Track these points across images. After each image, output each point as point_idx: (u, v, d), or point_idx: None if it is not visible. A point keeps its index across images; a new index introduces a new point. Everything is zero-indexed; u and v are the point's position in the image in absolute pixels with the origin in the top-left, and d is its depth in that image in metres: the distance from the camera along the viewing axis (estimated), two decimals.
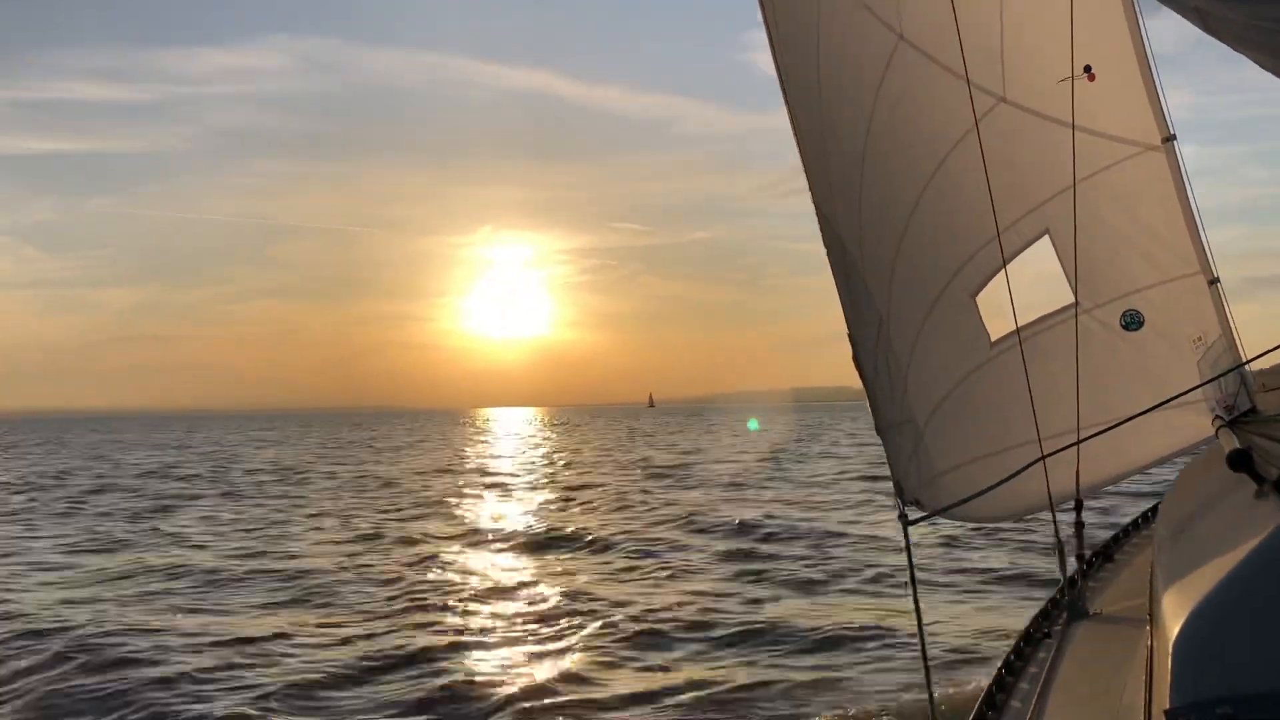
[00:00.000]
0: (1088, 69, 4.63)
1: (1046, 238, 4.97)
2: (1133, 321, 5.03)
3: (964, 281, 4.85)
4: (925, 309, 4.70)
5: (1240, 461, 2.03)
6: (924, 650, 3.21)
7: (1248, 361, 4.73)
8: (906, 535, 3.45)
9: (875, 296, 4.45)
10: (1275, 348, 3.61)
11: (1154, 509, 5.80)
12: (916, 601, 3.24)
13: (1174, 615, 1.59)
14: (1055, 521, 4.25)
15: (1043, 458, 3.75)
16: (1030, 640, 4.02)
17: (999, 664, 3.76)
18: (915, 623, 3.14)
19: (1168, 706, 1.44)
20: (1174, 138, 4.78)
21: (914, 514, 3.81)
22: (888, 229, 4.55)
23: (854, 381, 4.76)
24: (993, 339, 4.91)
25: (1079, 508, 4.58)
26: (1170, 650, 1.48)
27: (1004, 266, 4.78)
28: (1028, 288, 5.02)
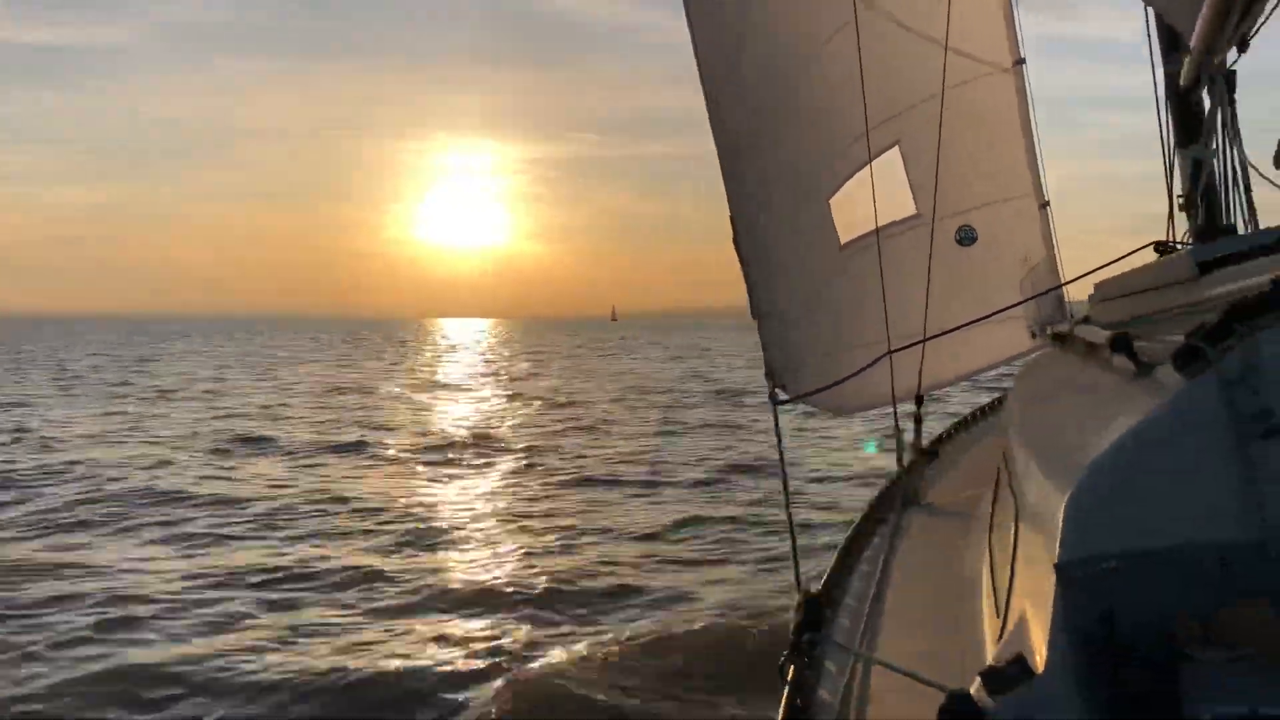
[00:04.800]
0: None
1: (896, 149, 5.14)
2: (966, 237, 5.30)
3: (820, 183, 4.94)
4: (791, 205, 4.78)
5: (1122, 344, 2.18)
6: (791, 526, 3.36)
7: (1066, 284, 5.10)
8: (775, 416, 3.58)
9: (753, 185, 4.50)
10: (1089, 271, 3.90)
11: (972, 415, 6.26)
12: (785, 480, 3.38)
13: (1052, 482, 1.68)
14: (896, 415, 4.50)
15: (889, 354, 3.96)
16: (867, 524, 4.28)
17: (840, 544, 3.99)
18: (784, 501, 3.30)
19: (1056, 562, 1.52)
20: (1023, 61, 5.01)
21: (782, 397, 3.96)
22: (764, 122, 4.58)
23: None
24: (842, 242, 5.06)
25: (919, 403, 4.87)
26: (1062, 510, 1.57)
27: (854, 174, 4.91)
28: (876, 196, 5.19)
